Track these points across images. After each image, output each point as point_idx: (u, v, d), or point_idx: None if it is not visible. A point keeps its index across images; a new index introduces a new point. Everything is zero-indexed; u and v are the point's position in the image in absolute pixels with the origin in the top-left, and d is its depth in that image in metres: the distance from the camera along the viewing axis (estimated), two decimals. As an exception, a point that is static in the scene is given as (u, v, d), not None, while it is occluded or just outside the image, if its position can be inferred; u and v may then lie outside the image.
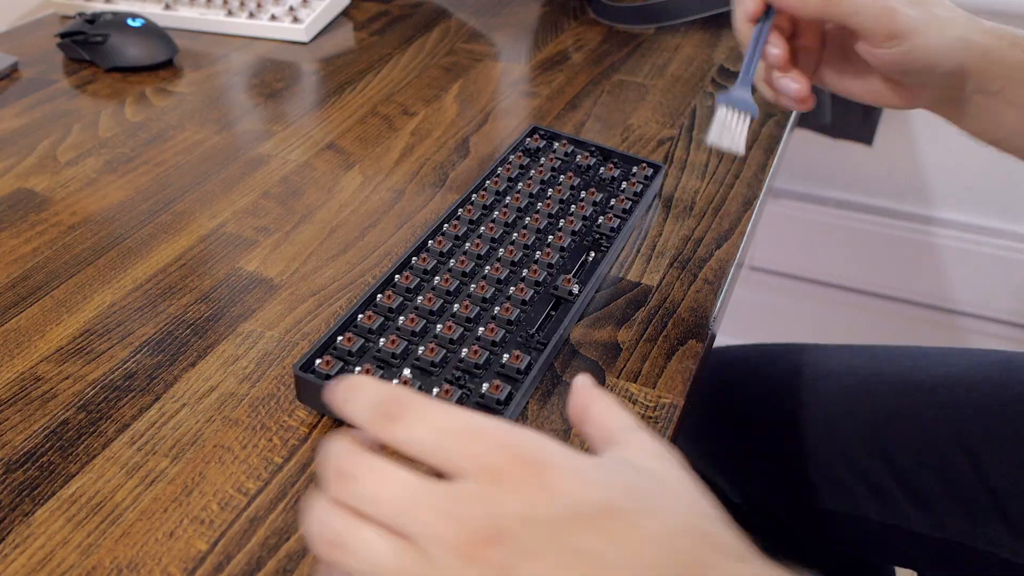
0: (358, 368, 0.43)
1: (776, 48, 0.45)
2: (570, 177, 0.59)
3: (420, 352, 0.44)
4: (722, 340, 0.80)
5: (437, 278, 0.49)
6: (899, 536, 0.64)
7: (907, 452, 0.62)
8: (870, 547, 0.68)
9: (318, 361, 0.43)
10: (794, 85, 0.45)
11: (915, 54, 0.43)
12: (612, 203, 0.57)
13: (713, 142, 0.46)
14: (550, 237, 0.54)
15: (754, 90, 0.47)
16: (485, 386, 0.42)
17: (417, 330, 0.46)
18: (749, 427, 0.71)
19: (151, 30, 0.81)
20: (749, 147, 0.67)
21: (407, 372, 0.43)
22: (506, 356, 0.44)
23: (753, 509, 0.73)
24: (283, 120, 0.73)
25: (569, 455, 0.27)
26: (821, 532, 0.69)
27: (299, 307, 0.51)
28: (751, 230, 0.60)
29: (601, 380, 0.46)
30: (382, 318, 0.46)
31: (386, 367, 0.44)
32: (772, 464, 0.69)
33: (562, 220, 0.55)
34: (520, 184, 0.59)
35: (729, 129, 0.45)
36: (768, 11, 0.44)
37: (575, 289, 0.50)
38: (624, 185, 0.59)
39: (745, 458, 0.72)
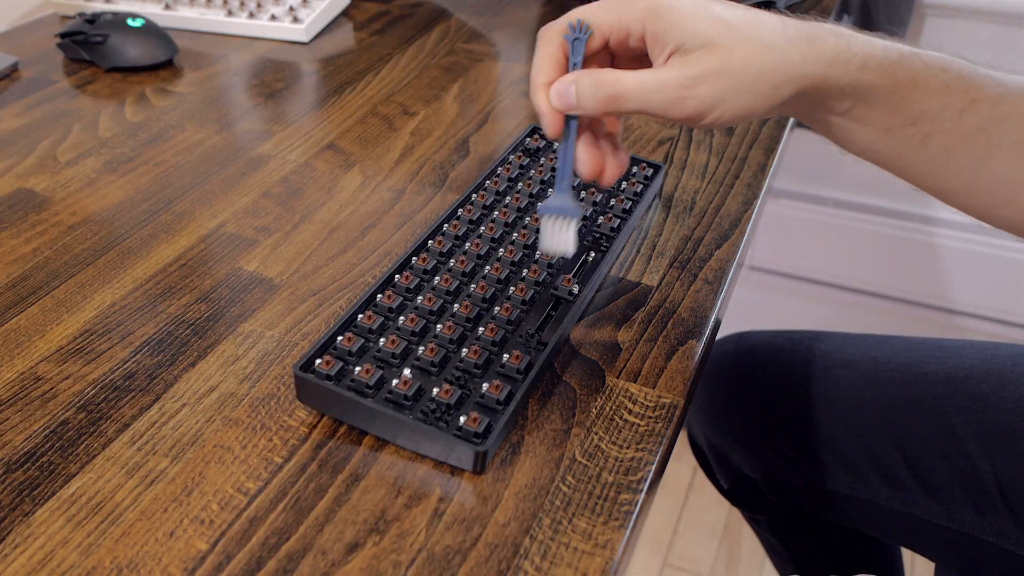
0: (358, 368, 0.43)
1: (583, 167, 0.43)
2: (570, 177, 0.59)
3: (420, 352, 0.44)
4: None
5: (437, 278, 0.49)
6: (909, 522, 0.65)
7: (920, 441, 0.63)
8: (881, 530, 0.70)
9: (318, 361, 0.43)
10: (606, 179, 0.44)
11: (723, 120, 0.40)
12: (612, 203, 0.57)
13: (545, 249, 0.45)
14: (550, 237, 0.54)
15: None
16: (485, 386, 0.42)
17: (417, 330, 0.46)
18: (770, 408, 0.73)
19: (151, 30, 0.81)
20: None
21: (407, 372, 0.43)
22: (506, 356, 0.44)
23: (769, 486, 0.75)
24: (283, 120, 0.73)
25: None
26: (834, 511, 0.71)
27: (299, 307, 0.51)
28: (751, 230, 0.60)
29: (601, 380, 0.46)
30: (382, 318, 0.46)
31: (386, 367, 0.44)
32: (789, 445, 0.71)
33: (562, 220, 0.55)
34: (520, 184, 0.59)
35: (557, 235, 0.45)
36: (568, 122, 0.42)
37: (575, 289, 0.50)
38: (624, 185, 0.59)
39: (764, 437, 0.74)
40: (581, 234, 0.54)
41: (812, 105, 0.43)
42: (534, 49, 0.42)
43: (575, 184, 0.44)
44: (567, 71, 0.42)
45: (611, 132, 0.45)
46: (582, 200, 0.57)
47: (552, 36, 0.42)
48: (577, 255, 0.53)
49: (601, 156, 0.43)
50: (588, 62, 0.42)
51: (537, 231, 0.52)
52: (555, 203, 0.44)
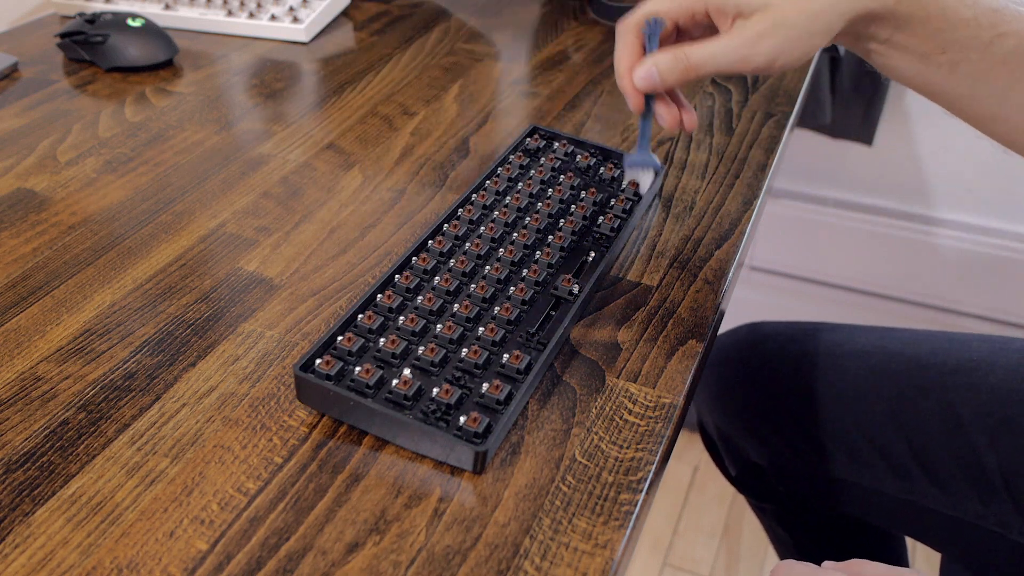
0: (358, 368, 0.43)
1: (667, 122, 0.52)
2: (570, 177, 0.59)
3: (420, 352, 0.44)
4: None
5: (437, 278, 0.49)
6: (914, 511, 0.66)
7: (926, 431, 0.64)
8: (886, 519, 0.71)
9: (318, 361, 0.43)
10: (687, 126, 0.53)
11: (789, 64, 0.47)
12: (612, 203, 0.57)
13: (633, 177, 0.58)
14: (550, 237, 0.54)
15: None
16: (485, 386, 0.42)
17: (417, 330, 0.46)
18: (778, 396, 0.74)
19: (151, 30, 0.81)
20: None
21: (407, 372, 0.43)
22: (506, 356, 0.44)
23: (775, 473, 0.75)
24: (283, 120, 0.73)
25: None
26: (839, 500, 0.72)
27: (299, 307, 0.51)
28: (751, 230, 0.60)
29: (601, 380, 0.46)
30: (382, 318, 0.46)
31: (386, 367, 0.44)
32: (797, 433, 0.72)
33: (562, 220, 0.55)
34: (520, 184, 0.59)
35: (638, 177, 0.58)
36: (647, 99, 0.52)
37: (575, 289, 0.50)
38: (624, 185, 0.59)
39: (772, 425, 0.74)
40: (581, 234, 0.54)
41: (857, 35, 0.48)
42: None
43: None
44: (642, 57, 0.50)
45: (676, 96, 0.54)
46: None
47: (628, 30, 0.50)
48: (577, 255, 0.53)
49: (676, 111, 0.52)
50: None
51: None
52: (639, 158, 0.56)
